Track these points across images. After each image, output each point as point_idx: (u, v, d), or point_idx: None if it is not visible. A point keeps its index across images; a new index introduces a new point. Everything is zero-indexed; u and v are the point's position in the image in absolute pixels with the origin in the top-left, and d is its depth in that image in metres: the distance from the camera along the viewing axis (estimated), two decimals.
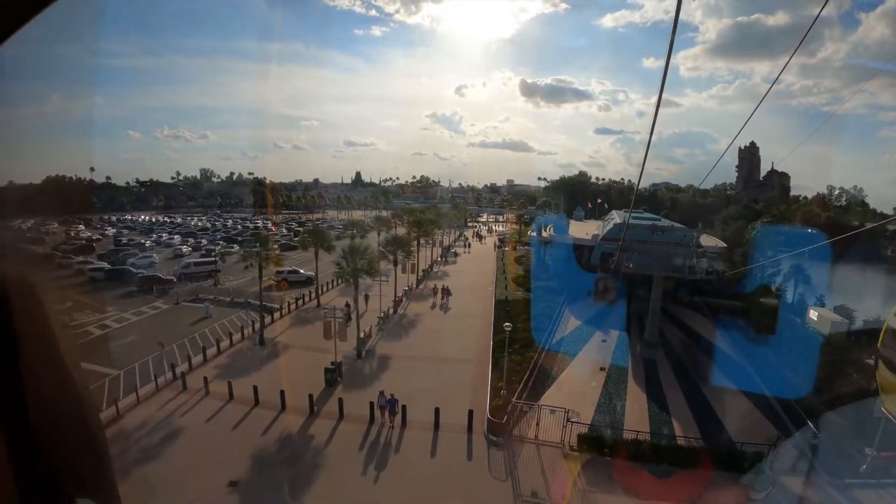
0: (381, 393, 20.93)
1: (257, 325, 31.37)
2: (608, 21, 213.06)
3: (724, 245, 41.97)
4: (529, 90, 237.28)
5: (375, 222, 56.89)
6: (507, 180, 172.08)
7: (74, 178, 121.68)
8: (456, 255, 64.19)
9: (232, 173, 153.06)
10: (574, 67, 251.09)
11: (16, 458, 1.22)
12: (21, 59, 1.38)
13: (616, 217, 45.11)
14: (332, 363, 24.50)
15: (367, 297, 34.99)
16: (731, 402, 22.87)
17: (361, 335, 28.95)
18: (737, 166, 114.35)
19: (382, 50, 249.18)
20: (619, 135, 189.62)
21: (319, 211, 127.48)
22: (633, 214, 40.30)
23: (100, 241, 72.26)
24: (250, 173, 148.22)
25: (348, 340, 28.01)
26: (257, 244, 31.56)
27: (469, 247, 71.04)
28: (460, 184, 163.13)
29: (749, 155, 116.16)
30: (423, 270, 49.81)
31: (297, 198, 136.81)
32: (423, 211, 62.14)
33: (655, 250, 30.28)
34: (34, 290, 1.26)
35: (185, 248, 64.11)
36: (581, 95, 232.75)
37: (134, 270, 47.93)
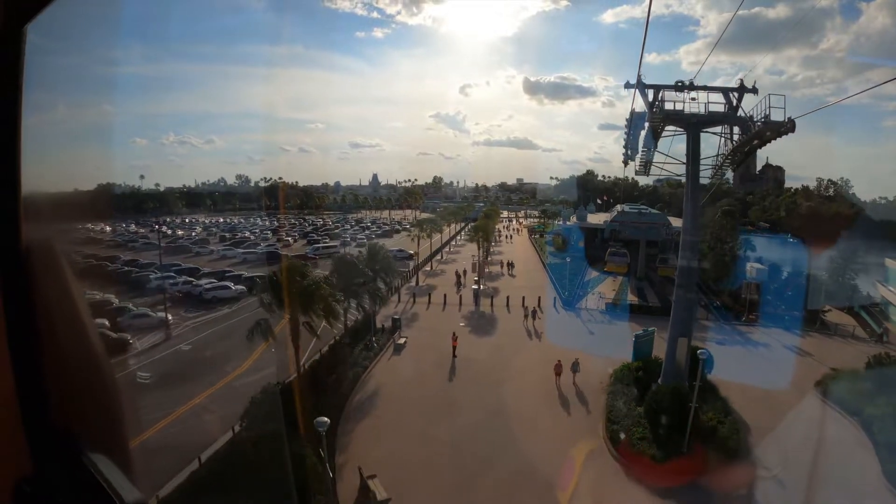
0: (526, 307, 43.39)
1: (403, 279, 56.45)
2: (609, 17, 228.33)
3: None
4: (533, 88, 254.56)
5: (449, 216, 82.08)
6: (517, 179, 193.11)
7: (123, 184, 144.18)
8: (501, 239, 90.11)
9: (264, 178, 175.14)
10: (577, 64, 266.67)
11: (30, 414, 1.44)
12: (28, 68, 1.61)
13: (619, 208, 70.41)
14: (474, 287, 49.72)
15: (465, 271, 59.49)
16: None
17: (476, 278, 54.09)
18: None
19: (385, 51, 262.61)
20: (623, 131, 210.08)
21: (356, 211, 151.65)
22: (629, 206, 67.03)
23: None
24: (279, 177, 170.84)
25: (466, 285, 53.42)
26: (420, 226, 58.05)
27: (511, 237, 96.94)
28: (476, 184, 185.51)
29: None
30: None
31: (343, 199, 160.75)
32: (462, 209, 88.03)
33: (641, 226, 55.98)
34: (56, 256, 1.49)
35: (290, 240, 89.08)
36: (585, 92, 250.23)
37: (280, 252, 72.63)
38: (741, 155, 24.29)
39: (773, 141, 21.81)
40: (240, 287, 50.60)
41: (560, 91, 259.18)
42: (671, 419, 21.79)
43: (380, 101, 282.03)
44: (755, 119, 22.04)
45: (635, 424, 23.24)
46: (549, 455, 22.47)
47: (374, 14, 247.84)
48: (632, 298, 46.96)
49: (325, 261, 68.21)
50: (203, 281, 52.00)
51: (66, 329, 1.44)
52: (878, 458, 21.65)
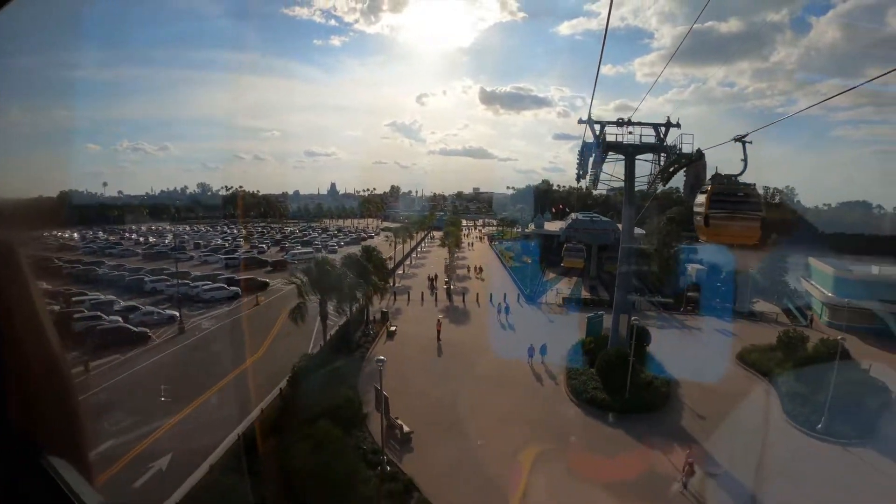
0: (499, 304, 50.74)
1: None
2: (565, 28, 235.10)
3: (643, 232, 76.51)
4: (489, 98, 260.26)
5: (415, 225, 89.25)
6: (474, 188, 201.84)
7: (85, 192, 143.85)
8: (464, 246, 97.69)
9: (224, 186, 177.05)
10: (533, 75, 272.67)
11: None
12: None
13: (573, 216, 79.18)
14: (445, 286, 57.00)
15: (436, 275, 66.59)
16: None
17: (447, 279, 61.28)
18: (684, 171, 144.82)
19: (342, 59, 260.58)
20: (578, 140, 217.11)
21: (319, 220, 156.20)
22: (583, 214, 75.96)
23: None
24: (240, 186, 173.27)
25: (438, 288, 60.57)
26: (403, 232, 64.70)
27: (472, 245, 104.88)
28: (433, 193, 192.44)
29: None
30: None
31: (305, 208, 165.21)
32: (426, 219, 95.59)
33: (593, 232, 64.69)
34: (15, 256, 1.45)
35: (264, 247, 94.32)
36: (540, 102, 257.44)
37: (260, 258, 78.25)
38: (667, 174, 32.19)
39: (686, 166, 29.86)
40: (234, 288, 56.19)
41: (516, 101, 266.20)
42: (616, 373, 29.44)
43: (336, 109, 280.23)
44: (677, 147, 30.07)
45: (590, 380, 30.87)
46: (525, 404, 29.98)
47: (332, 22, 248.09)
48: (585, 294, 55.12)
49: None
50: (200, 283, 57.08)
51: (24, 329, 1.45)
52: (780, 402, 30.26)
